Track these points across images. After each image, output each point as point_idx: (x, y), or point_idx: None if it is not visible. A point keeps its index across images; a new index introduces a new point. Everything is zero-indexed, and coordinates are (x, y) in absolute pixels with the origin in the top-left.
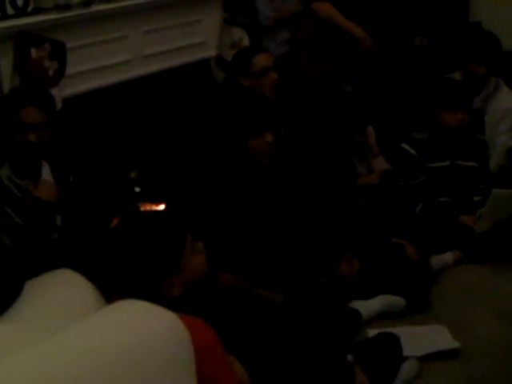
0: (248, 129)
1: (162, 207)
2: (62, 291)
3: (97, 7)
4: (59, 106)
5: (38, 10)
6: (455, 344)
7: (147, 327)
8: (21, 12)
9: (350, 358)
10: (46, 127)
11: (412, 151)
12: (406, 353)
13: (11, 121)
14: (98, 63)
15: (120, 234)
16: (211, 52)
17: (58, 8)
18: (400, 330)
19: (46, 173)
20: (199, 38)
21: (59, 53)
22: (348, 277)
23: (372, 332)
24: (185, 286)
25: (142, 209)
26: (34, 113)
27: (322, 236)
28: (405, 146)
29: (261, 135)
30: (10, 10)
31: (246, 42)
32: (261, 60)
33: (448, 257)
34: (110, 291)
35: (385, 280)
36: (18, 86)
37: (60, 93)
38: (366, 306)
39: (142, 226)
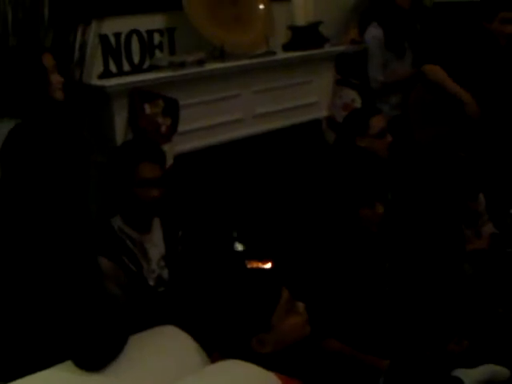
0: (361, 199)
1: (268, 265)
2: (166, 348)
3: (210, 66)
4: (171, 161)
5: (153, 68)
6: None
7: None
8: (136, 69)
9: None
10: (161, 183)
11: None
12: None
13: (129, 176)
14: (210, 121)
15: (216, 290)
16: (323, 113)
17: (172, 66)
18: None
19: (157, 227)
20: (311, 98)
21: (172, 109)
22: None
23: None
24: (277, 345)
25: (249, 266)
26: (152, 168)
27: (430, 308)
28: None
29: (372, 206)
30: (126, 67)
31: (358, 103)
32: (378, 122)
33: None
34: (211, 348)
35: (489, 349)
36: (130, 140)
37: (172, 149)
38: (469, 375)
39: (234, 283)
